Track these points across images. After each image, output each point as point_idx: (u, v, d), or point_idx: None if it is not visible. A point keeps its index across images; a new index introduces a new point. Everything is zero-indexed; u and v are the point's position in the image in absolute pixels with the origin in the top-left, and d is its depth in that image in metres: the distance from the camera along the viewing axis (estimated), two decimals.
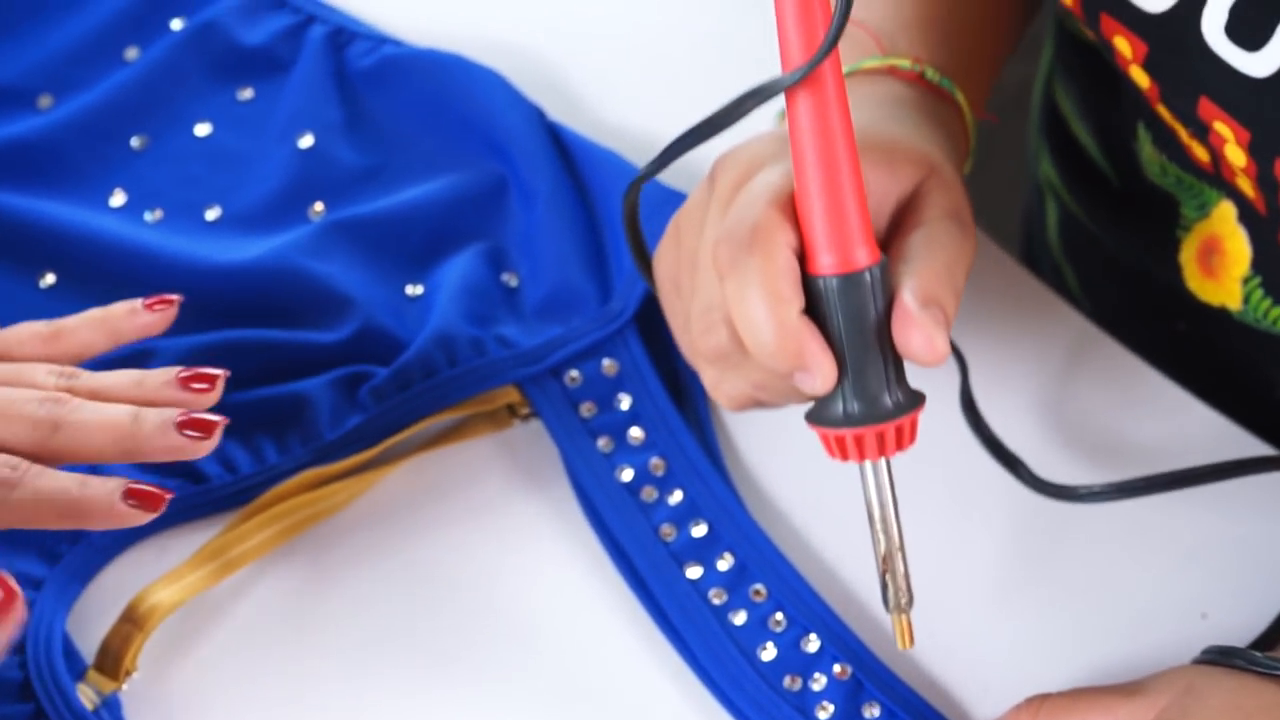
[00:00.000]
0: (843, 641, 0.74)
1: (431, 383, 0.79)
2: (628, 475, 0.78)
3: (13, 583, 0.63)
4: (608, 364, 0.81)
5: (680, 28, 0.94)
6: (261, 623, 0.76)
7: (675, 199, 0.81)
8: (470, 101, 0.87)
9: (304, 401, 0.79)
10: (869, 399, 0.65)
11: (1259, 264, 0.80)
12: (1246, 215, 0.80)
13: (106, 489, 0.69)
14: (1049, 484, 0.76)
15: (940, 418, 0.76)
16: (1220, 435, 0.81)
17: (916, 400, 0.66)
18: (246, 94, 0.90)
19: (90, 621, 0.74)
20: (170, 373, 0.73)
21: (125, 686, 0.73)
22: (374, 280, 0.83)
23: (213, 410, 0.71)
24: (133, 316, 0.76)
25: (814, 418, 0.67)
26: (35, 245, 0.84)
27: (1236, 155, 0.73)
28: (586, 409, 0.80)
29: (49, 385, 0.72)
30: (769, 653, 0.74)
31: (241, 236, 0.85)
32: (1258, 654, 0.70)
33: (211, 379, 0.73)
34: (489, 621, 0.76)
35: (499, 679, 0.75)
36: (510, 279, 0.84)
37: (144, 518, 0.69)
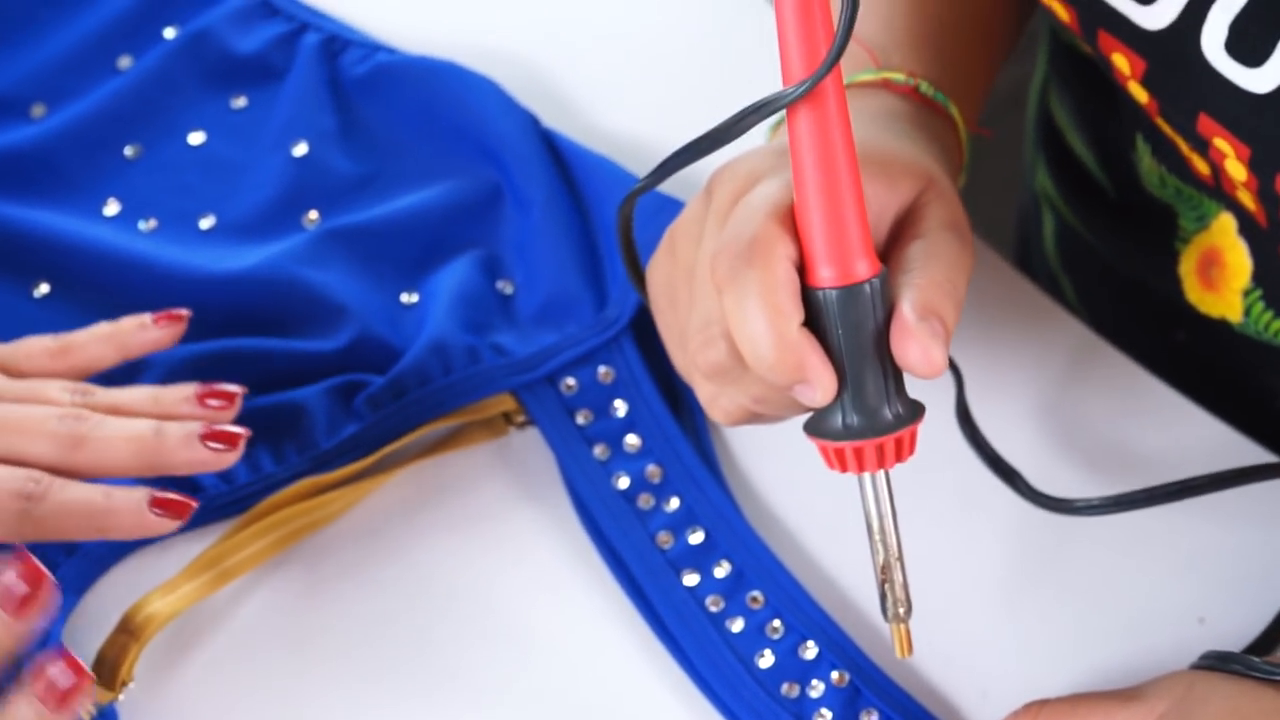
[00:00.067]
0: (840, 648, 0.74)
1: (427, 391, 0.79)
2: (624, 483, 0.78)
3: (40, 565, 0.64)
4: (603, 371, 0.81)
5: (675, 34, 0.94)
6: (258, 632, 0.76)
7: (671, 206, 0.81)
8: (464, 108, 0.87)
9: (299, 410, 0.78)
10: (869, 411, 0.65)
11: (1260, 276, 0.80)
12: (1247, 228, 0.80)
13: (134, 499, 0.71)
14: (1047, 497, 0.76)
15: (940, 425, 0.76)
16: (1220, 442, 0.81)
17: (916, 412, 0.66)
18: (240, 102, 0.89)
19: (86, 632, 0.74)
20: (188, 389, 0.75)
21: (121, 697, 0.72)
22: (369, 288, 0.83)
23: None
24: (142, 332, 0.77)
25: (813, 429, 0.66)
26: (29, 255, 0.84)
27: (1237, 170, 0.73)
28: (582, 416, 0.80)
29: (64, 402, 0.73)
30: (767, 660, 0.74)
31: (236, 245, 0.85)
32: (1256, 659, 0.70)
33: (229, 396, 0.74)
34: (486, 629, 0.76)
35: (496, 687, 0.75)
36: (505, 286, 0.83)
37: (171, 526, 0.71)
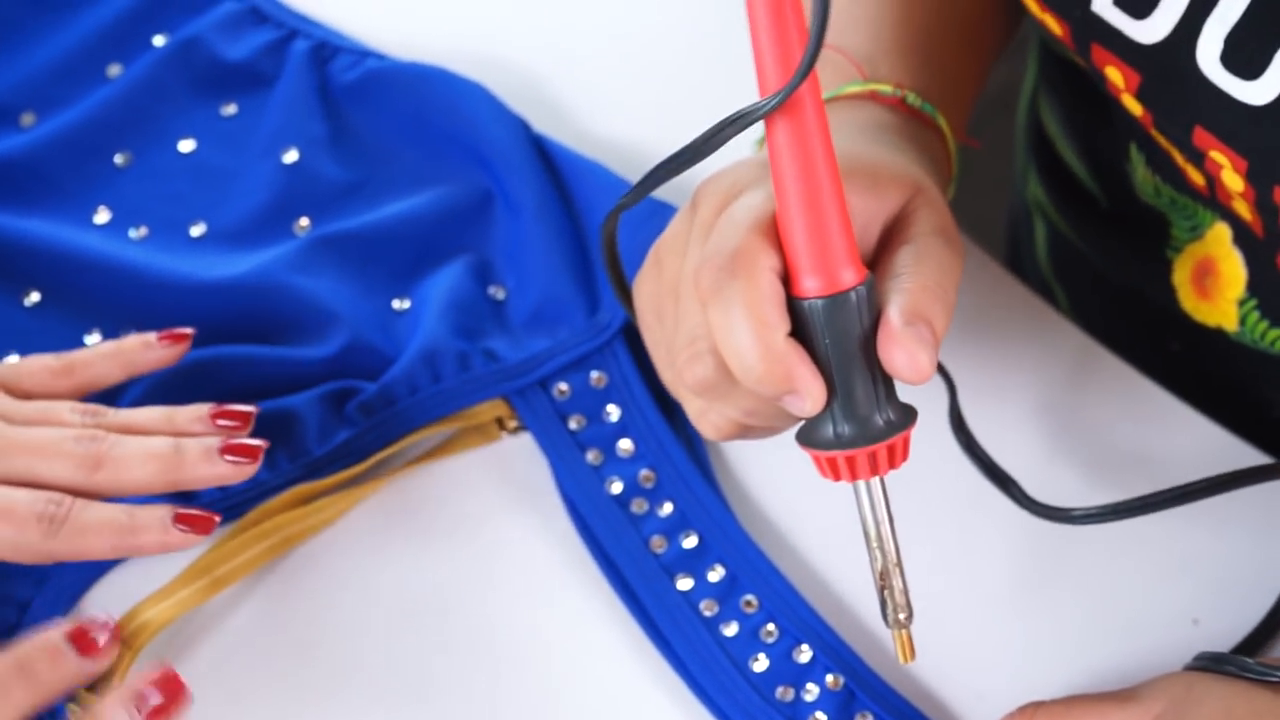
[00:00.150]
0: (835, 652, 0.74)
1: (419, 397, 0.79)
2: (617, 488, 0.78)
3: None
4: (596, 376, 0.81)
5: (665, 40, 0.94)
6: (251, 639, 0.75)
7: (663, 211, 0.81)
8: (455, 114, 0.87)
9: (292, 417, 0.78)
10: (859, 419, 0.64)
11: (1255, 286, 0.80)
12: (1242, 238, 0.79)
13: (156, 516, 0.72)
14: (1044, 506, 0.75)
15: (937, 429, 0.76)
16: (1215, 445, 0.80)
17: (908, 418, 0.65)
18: (230, 109, 0.89)
19: None
20: (201, 409, 0.75)
21: None
22: (360, 295, 0.83)
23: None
24: (147, 351, 0.77)
25: (805, 439, 0.66)
26: (19, 264, 0.84)
27: (1234, 181, 0.72)
28: (575, 421, 0.80)
29: (76, 423, 0.74)
30: (761, 664, 0.74)
31: (227, 253, 0.84)
32: (1249, 660, 0.70)
33: (243, 416, 0.75)
34: (479, 634, 0.76)
35: (490, 692, 0.75)
36: (497, 292, 0.83)
37: (194, 541, 0.72)
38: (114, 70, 0.90)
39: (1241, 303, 0.81)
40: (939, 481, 0.78)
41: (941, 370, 0.76)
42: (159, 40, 0.91)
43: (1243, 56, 0.68)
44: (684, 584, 0.76)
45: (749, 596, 0.75)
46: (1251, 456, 0.80)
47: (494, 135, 0.86)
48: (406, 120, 0.88)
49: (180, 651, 0.75)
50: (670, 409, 0.81)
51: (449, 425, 0.80)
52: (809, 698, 0.73)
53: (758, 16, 0.62)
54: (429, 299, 0.82)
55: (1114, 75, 0.74)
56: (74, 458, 0.72)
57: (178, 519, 0.72)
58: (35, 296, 0.83)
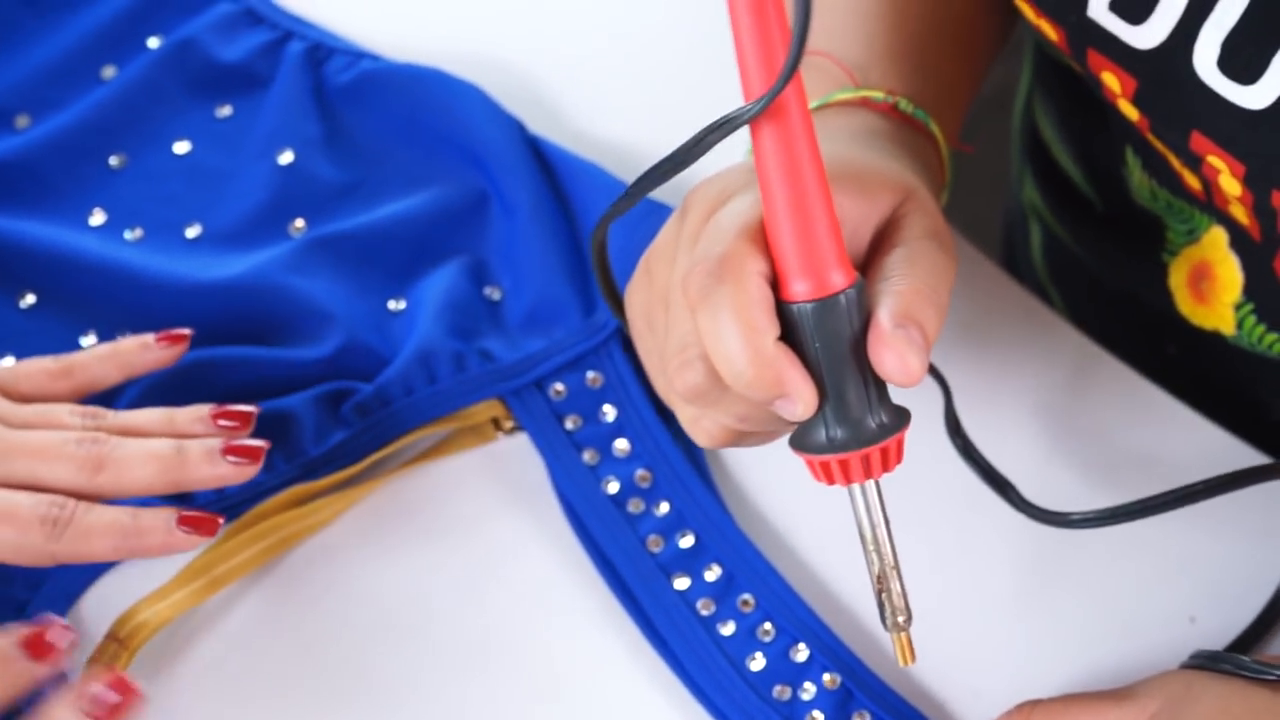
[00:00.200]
0: (832, 651, 0.74)
1: (415, 398, 0.79)
2: (614, 487, 0.78)
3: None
4: (592, 376, 0.81)
5: (661, 40, 0.94)
6: (248, 640, 0.75)
7: (660, 211, 0.81)
8: (450, 115, 0.87)
9: (287, 418, 0.78)
10: (852, 422, 0.64)
11: (1251, 290, 0.80)
12: (1238, 242, 0.79)
13: (160, 518, 0.72)
14: (1042, 510, 0.75)
15: (935, 430, 0.76)
16: (1215, 445, 0.80)
17: (902, 420, 0.65)
18: (225, 111, 0.89)
19: None
20: (201, 410, 0.75)
21: None
22: (356, 296, 0.83)
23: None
24: (145, 352, 0.77)
25: (798, 444, 0.65)
26: (15, 265, 0.84)
27: (1231, 185, 0.72)
28: (571, 422, 0.80)
29: (76, 426, 0.74)
30: (758, 663, 0.74)
31: (222, 254, 0.84)
32: (1245, 658, 0.70)
33: (243, 416, 0.75)
34: (476, 634, 0.76)
35: (487, 692, 0.75)
36: (493, 292, 0.83)
37: (199, 542, 0.72)
38: (109, 72, 0.90)
39: (1238, 307, 0.81)
40: (937, 481, 0.78)
41: (936, 374, 0.76)
42: (153, 42, 0.91)
43: (1240, 61, 0.68)
44: (681, 583, 0.76)
45: (746, 596, 0.76)
46: (1249, 456, 0.80)
47: (489, 136, 0.86)
48: (402, 121, 0.88)
49: (177, 652, 0.75)
50: (666, 409, 0.81)
51: (445, 426, 0.80)
52: (806, 696, 0.73)
53: (740, 20, 0.61)
54: (424, 300, 0.82)
55: (1110, 80, 0.74)
56: (76, 460, 0.72)
57: (181, 520, 0.72)
58: (31, 298, 0.83)
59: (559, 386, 0.80)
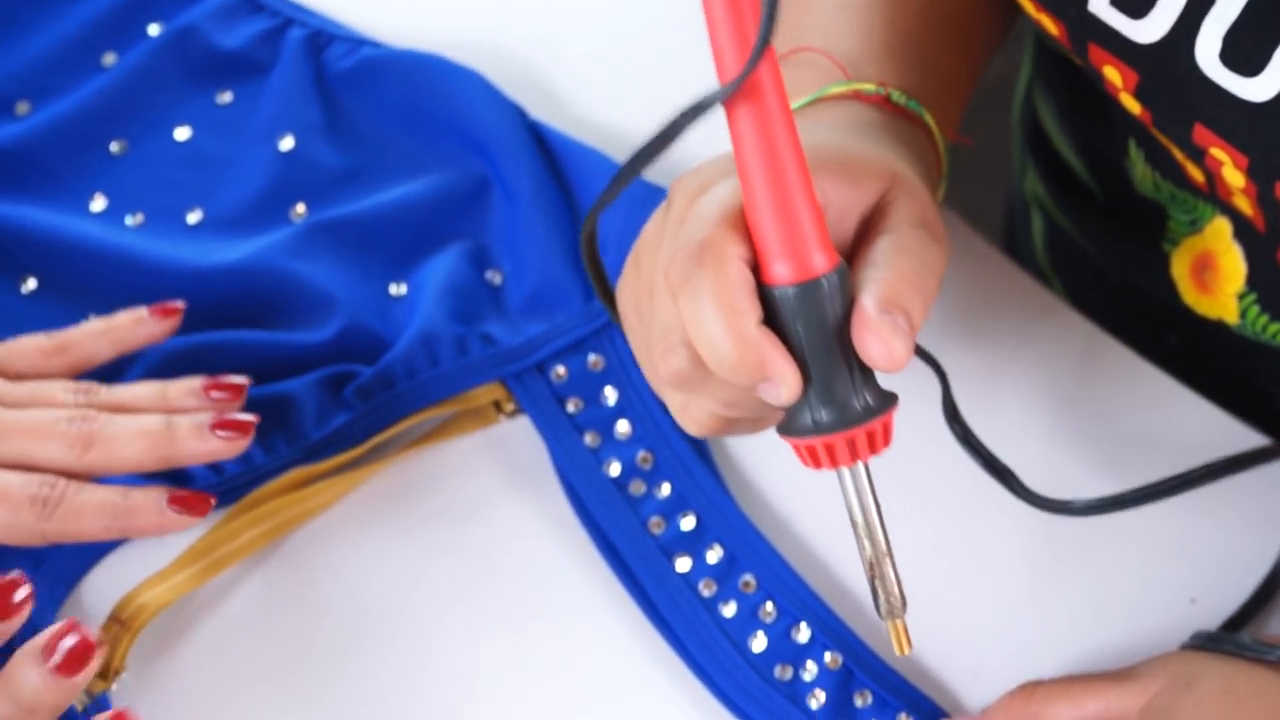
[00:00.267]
0: (833, 630, 0.74)
1: (416, 381, 0.79)
2: (615, 469, 0.78)
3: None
4: (593, 359, 0.81)
5: (661, 25, 0.94)
6: (250, 621, 0.75)
7: (657, 195, 0.81)
8: (450, 101, 0.87)
9: (289, 401, 0.78)
10: (836, 405, 0.63)
11: (1255, 280, 0.80)
12: (1242, 232, 0.79)
13: (151, 497, 0.72)
14: (1043, 498, 0.74)
15: (934, 420, 0.76)
16: (1216, 428, 0.81)
17: (887, 403, 0.64)
18: (226, 97, 0.89)
19: None
20: (193, 383, 0.75)
21: (115, 686, 0.73)
22: (357, 280, 0.83)
23: None
24: (138, 326, 0.77)
25: (784, 429, 0.65)
26: (16, 251, 0.84)
27: (1234, 177, 0.72)
28: (573, 404, 0.80)
29: (69, 403, 0.74)
30: (760, 643, 0.74)
31: (224, 239, 0.84)
32: (1245, 638, 0.70)
33: (234, 388, 0.75)
34: (478, 616, 0.76)
35: (490, 674, 0.75)
36: (494, 276, 0.83)
37: (190, 522, 0.73)
38: (109, 59, 0.90)
39: (1241, 296, 0.81)
40: (937, 466, 0.78)
41: (932, 360, 0.76)
42: (154, 29, 0.91)
43: (1242, 54, 0.68)
44: (682, 564, 0.76)
45: (747, 576, 0.76)
46: (1250, 438, 0.80)
47: (490, 121, 0.86)
48: (402, 107, 0.88)
49: (179, 633, 0.75)
50: None
51: (446, 409, 0.80)
52: (808, 676, 0.73)
53: (712, 3, 0.60)
54: (426, 284, 0.82)
55: (1112, 74, 0.74)
56: (66, 438, 0.72)
57: (172, 500, 0.72)
58: (32, 283, 0.83)
59: (560, 369, 0.80)
